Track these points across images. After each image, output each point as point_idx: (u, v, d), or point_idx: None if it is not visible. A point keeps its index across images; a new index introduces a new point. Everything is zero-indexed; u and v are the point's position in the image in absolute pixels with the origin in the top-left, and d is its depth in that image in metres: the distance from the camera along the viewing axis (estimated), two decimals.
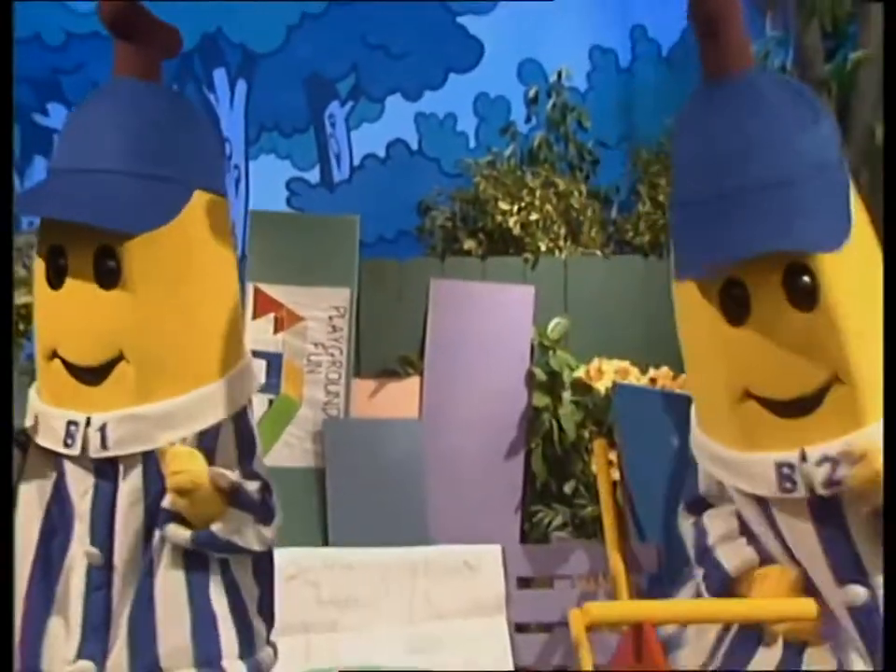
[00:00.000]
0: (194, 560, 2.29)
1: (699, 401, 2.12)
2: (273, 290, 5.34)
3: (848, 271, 1.86)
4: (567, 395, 5.38)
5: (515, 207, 5.91)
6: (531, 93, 6.42)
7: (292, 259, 5.37)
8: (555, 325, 5.48)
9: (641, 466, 4.12)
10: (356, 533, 4.60)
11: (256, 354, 5.14)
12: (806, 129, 1.97)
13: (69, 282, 2.21)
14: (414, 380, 5.46)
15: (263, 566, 2.46)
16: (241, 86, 6.57)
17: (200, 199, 2.35)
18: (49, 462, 2.30)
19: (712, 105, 2.01)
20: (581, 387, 5.35)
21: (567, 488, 5.31)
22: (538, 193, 5.95)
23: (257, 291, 5.32)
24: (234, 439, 2.38)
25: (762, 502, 2.03)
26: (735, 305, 1.90)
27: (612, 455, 4.69)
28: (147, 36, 2.42)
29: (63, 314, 2.24)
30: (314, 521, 4.96)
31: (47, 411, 2.25)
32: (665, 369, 5.22)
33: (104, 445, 2.22)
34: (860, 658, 1.97)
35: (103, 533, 2.26)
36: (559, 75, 6.33)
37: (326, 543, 4.81)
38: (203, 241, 2.36)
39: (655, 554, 3.79)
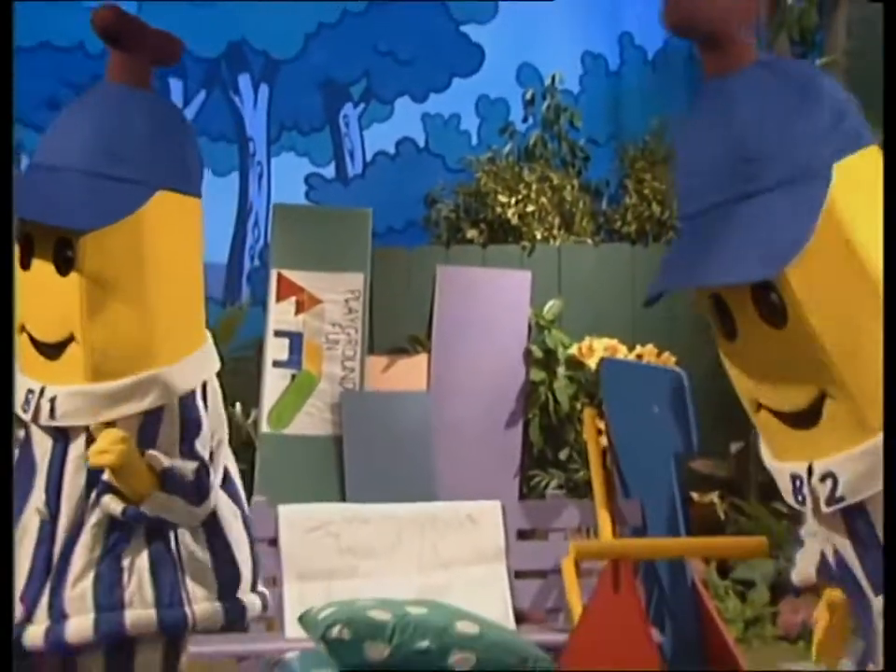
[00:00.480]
0: (119, 521, 2.33)
1: None
2: (294, 276, 5.38)
3: (818, 284, 1.64)
4: (561, 370, 5.43)
5: (513, 200, 5.94)
6: (528, 96, 6.44)
7: (311, 248, 5.41)
8: (550, 307, 5.53)
9: (626, 431, 4.22)
10: (370, 492, 4.65)
11: (278, 333, 5.31)
12: (797, 126, 1.67)
13: (34, 265, 2.27)
14: (423, 357, 5.50)
15: (217, 539, 2.44)
16: (263, 89, 6.58)
17: (164, 199, 2.33)
18: (21, 426, 2.37)
19: (702, 111, 1.75)
20: (574, 363, 5.40)
21: (562, 455, 5.39)
22: (534, 187, 5.99)
23: (279, 277, 5.38)
24: (178, 421, 2.37)
25: None
26: (725, 320, 1.72)
27: (601, 424, 4.84)
28: (138, 45, 2.37)
29: (29, 292, 2.29)
30: (333, 482, 5.02)
31: (19, 379, 2.27)
32: (650, 346, 5.27)
33: (52, 415, 2.30)
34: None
35: (53, 492, 2.32)
36: (553, 78, 6.35)
37: (344, 502, 4.82)
38: (161, 239, 2.34)
39: (639, 509, 3.89)
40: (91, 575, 2.34)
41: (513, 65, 6.76)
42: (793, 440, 1.70)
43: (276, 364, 5.30)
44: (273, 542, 4.05)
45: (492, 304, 5.51)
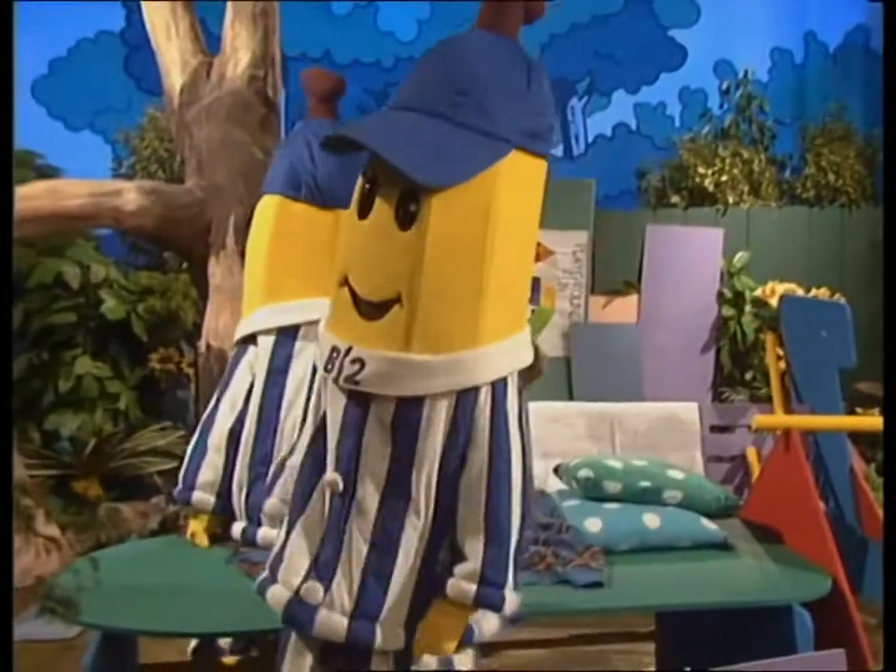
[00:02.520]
0: None
1: None
2: None
3: (446, 219, 1.50)
4: (748, 308, 5.46)
5: (710, 171, 5.97)
6: (724, 86, 6.42)
7: (546, 211, 5.28)
8: (739, 257, 5.56)
9: (800, 352, 4.30)
10: (592, 400, 4.60)
11: None
12: (513, 98, 1.55)
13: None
14: (634, 297, 5.59)
15: None
16: None
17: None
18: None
19: (467, 42, 1.57)
20: (759, 303, 5.44)
21: (747, 376, 5.44)
22: (727, 161, 6.00)
23: None
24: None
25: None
26: (367, 200, 1.57)
27: (781, 351, 4.98)
28: (328, 91, 2.50)
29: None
30: (563, 392, 5.21)
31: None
32: (823, 289, 5.33)
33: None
34: None
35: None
36: (746, 71, 6.32)
37: None
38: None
39: (808, 411, 4.03)
40: None
41: (711, 61, 6.76)
42: (352, 321, 1.58)
43: None
44: None
45: (691, 255, 5.53)
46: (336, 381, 1.58)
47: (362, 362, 1.55)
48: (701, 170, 5.99)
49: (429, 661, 1.56)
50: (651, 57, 6.82)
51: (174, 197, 4.13)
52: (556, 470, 3.04)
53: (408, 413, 1.56)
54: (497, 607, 1.57)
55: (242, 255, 4.03)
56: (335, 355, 1.58)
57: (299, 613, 1.56)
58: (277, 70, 4.16)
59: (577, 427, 4.21)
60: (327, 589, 1.56)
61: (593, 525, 2.50)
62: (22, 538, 1.56)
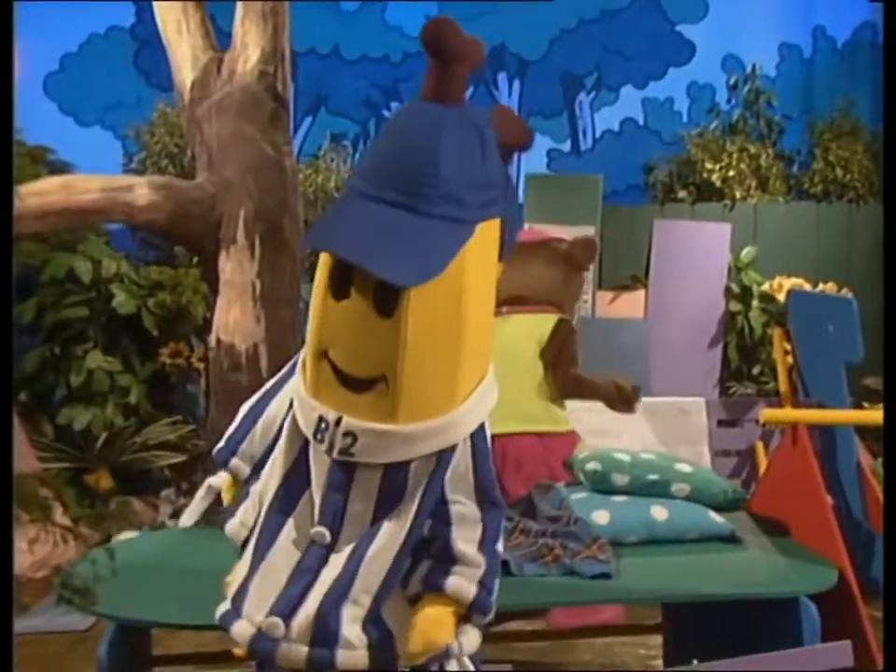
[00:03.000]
0: None
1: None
2: (540, 228, 5.42)
3: (426, 305, 1.52)
4: (755, 303, 5.51)
5: (717, 166, 6.02)
6: (732, 81, 6.47)
7: (554, 206, 5.57)
8: (746, 252, 5.61)
9: (807, 346, 4.31)
10: None
11: None
12: (474, 177, 1.53)
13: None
14: (641, 292, 5.64)
15: None
16: (516, 84, 6.83)
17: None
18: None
19: (415, 121, 1.53)
20: (766, 297, 5.50)
21: (755, 370, 5.49)
22: (735, 156, 6.05)
23: (530, 230, 5.41)
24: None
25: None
26: (341, 283, 1.56)
27: (788, 346, 4.98)
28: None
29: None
30: None
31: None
32: (831, 284, 5.36)
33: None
34: None
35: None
36: (754, 66, 6.36)
37: None
38: None
39: (816, 405, 4.06)
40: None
41: (719, 56, 6.78)
42: (337, 393, 1.60)
43: None
44: None
45: (698, 250, 5.58)
46: (329, 452, 1.61)
47: (354, 436, 1.59)
48: (708, 165, 6.04)
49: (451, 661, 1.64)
50: (659, 52, 6.85)
51: (185, 192, 4.16)
52: (565, 463, 3.02)
53: (394, 475, 1.63)
54: (487, 610, 1.67)
55: (251, 250, 4.07)
56: (323, 426, 1.61)
57: (263, 646, 1.63)
58: (287, 66, 4.21)
59: (584, 422, 4.17)
60: (287, 625, 1.62)
61: (601, 517, 2.52)
62: (40, 527, 1.58)
